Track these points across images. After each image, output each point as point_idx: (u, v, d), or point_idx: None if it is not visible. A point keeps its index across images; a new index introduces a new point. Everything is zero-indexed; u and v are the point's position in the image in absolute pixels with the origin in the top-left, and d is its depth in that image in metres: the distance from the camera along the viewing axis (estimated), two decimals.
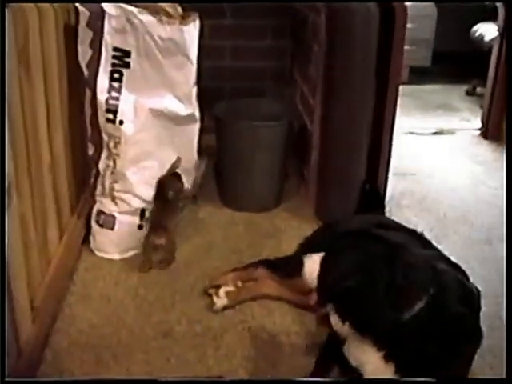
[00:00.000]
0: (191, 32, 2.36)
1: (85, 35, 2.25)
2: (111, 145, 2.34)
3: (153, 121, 2.36)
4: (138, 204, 2.40)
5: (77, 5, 2.22)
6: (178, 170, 2.45)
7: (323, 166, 2.67)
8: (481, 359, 1.87)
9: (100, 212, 2.43)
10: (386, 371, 1.67)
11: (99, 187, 2.41)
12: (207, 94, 2.64)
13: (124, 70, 2.30)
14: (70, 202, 2.33)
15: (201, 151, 2.58)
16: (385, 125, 2.56)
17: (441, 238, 2.62)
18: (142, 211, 2.42)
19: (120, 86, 2.30)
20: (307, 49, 2.95)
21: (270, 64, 3.39)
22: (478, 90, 4.68)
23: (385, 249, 1.65)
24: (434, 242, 2.00)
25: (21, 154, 1.76)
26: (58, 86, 2.13)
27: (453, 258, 1.95)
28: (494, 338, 2.03)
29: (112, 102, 2.29)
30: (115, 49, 2.27)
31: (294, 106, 3.18)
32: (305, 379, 1.80)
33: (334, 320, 1.70)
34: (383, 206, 2.61)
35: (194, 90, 2.43)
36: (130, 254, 2.44)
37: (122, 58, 2.29)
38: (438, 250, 1.95)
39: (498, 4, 3.98)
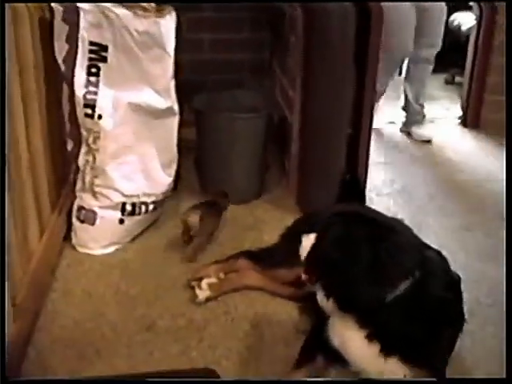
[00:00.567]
0: (168, 25, 2.36)
1: (61, 30, 2.23)
2: (90, 140, 2.33)
3: (131, 115, 2.35)
4: (118, 198, 2.40)
5: None
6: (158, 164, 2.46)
7: (303, 156, 2.68)
8: (460, 342, 1.89)
9: (81, 207, 2.42)
10: (370, 351, 1.70)
11: (79, 183, 2.40)
12: (187, 87, 2.64)
13: (101, 65, 2.28)
14: (50, 199, 2.32)
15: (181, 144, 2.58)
16: (364, 115, 2.57)
17: (421, 225, 2.64)
18: (123, 205, 2.42)
19: (97, 81, 2.29)
20: (286, 41, 2.95)
21: (249, 56, 3.38)
22: (457, 78, 4.71)
23: (374, 230, 1.67)
24: (414, 230, 2.01)
25: None
26: (34, 81, 2.11)
27: (434, 245, 1.97)
28: (472, 322, 2.05)
29: (90, 96, 2.28)
30: (92, 43, 2.26)
31: (274, 98, 3.18)
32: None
33: (320, 297, 1.72)
34: (363, 196, 2.62)
35: (172, 83, 2.43)
36: (112, 249, 2.44)
37: (98, 53, 2.27)
38: (418, 238, 1.97)
39: None
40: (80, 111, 2.28)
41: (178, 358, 1.91)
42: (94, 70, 2.28)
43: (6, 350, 1.66)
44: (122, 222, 2.43)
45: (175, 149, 2.55)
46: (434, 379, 1.73)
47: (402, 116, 3.94)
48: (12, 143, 1.89)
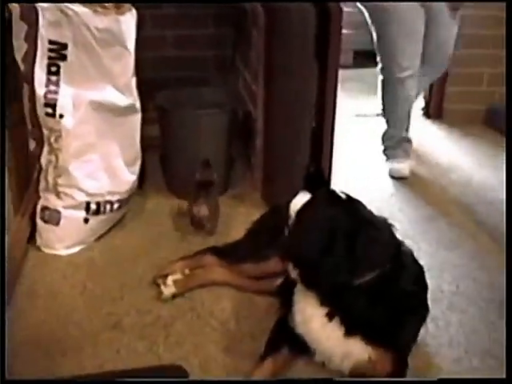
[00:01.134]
0: (128, 22, 2.35)
1: (19, 29, 2.21)
2: (52, 139, 2.31)
3: (93, 113, 2.33)
4: (82, 198, 2.38)
5: None
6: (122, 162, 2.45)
7: (268, 151, 2.69)
8: (424, 329, 1.93)
9: (45, 208, 2.40)
10: (332, 331, 1.72)
11: (43, 183, 2.38)
12: (150, 84, 2.63)
13: (61, 63, 2.26)
14: (12, 202, 2.29)
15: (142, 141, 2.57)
16: (327, 108, 2.59)
17: (387, 216, 2.67)
18: (88, 204, 2.40)
19: (58, 80, 2.27)
20: (248, 36, 2.96)
21: (213, 52, 3.38)
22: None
23: (358, 218, 1.70)
24: None
25: None
26: None
27: (400, 235, 2.00)
28: (435, 308, 2.11)
29: (50, 95, 2.26)
30: (51, 42, 2.24)
31: (238, 93, 3.18)
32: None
33: (290, 267, 1.75)
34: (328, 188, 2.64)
35: (134, 81, 2.42)
36: (77, 248, 2.42)
37: (58, 51, 2.25)
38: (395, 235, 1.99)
39: None
40: (41, 110, 2.26)
41: (144, 356, 1.91)
42: (54, 68, 2.26)
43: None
44: (86, 221, 2.42)
45: (139, 146, 2.54)
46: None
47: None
48: None
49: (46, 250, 2.41)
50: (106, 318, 2.05)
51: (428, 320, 1.95)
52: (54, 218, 2.39)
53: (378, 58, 3.20)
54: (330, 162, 2.64)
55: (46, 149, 2.33)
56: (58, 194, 2.36)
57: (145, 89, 2.51)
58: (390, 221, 1.81)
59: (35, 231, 2.43)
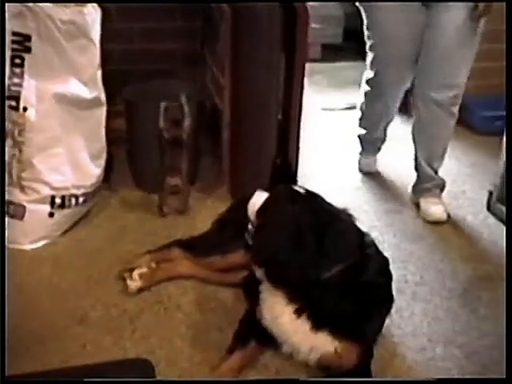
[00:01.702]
0: (92, 14, 2.33)
1: None
2: (16, 133, 2.28)
3: (57, 106, 2.31)
4: (47, 191, 2.36)
5: None
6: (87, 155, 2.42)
7: (235, 143, 2.69)
8: (389, 319, 1.96)
9: (9, 202, 2.36)
10: (300, 327, 1.74)
11: (7, 177, 2.34)
12: (118, 77, 2.61)
13: (25, 55, 2.24)
14: None
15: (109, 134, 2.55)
16: (293, 101, 2.60)
17: (354, 209, 2.69)
18: (52, 198, 2.38)
19: (22, 72, 2.24)
20: (215, 28, 2.94)
21: (180, 45, 3.35)
22: None
23: (321, 212, 1.73)
24: None
25: None
26: None
27: (366, 227, 2.02)
28: (400, 299, 2.14)
29: (14, 88, 2.23)
30: (14, 33, 2.21)
31: (205, 86, 3.17)
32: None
33: (256, 267, 1.78)
34: (295, 181, 2.65)
35: (99, 73, 2.40)
36: (42, 243, 2.40)
37: (21, 43, 2.23)
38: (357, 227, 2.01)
39: None
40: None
41: (110, 350, 1.91)
42: (17, 60, 2.23)
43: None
44: (51, 215, 2.40)
45: (104, 139, 2.53)
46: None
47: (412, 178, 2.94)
48: None
49: (11, 245, 2.37)
50: (72, 313, 2.04)
51: (393, 310, 1.98)
52: (18, 212, 2.36)
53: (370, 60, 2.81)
54: (296, 154, 2.66)
55: (9, 143, 2.30)
56: (22, 188, 2.34)
57: (112, 82, 2.49)
58: (351, 211, 1.83)
59: None
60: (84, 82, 2.35)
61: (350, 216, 1.84)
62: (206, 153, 3.04)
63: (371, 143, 3.14)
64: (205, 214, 2.57)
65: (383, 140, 3.15)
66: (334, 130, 3.71)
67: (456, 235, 2.65)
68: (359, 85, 3.06)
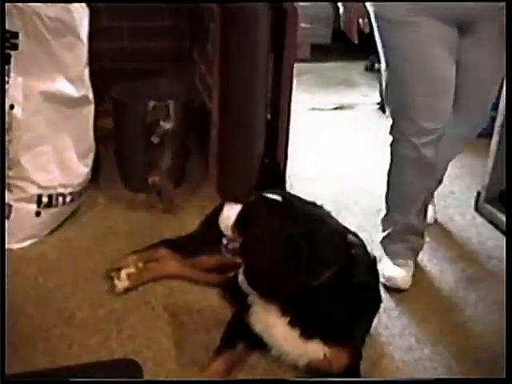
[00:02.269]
0: (80, 12, 2.31)
1: None
2: None
3: (45, 104, 2.29)
4: (34, 190, 2.34)
5: None
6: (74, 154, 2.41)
7: (223, 143, 2.69)
8: (377, 319, 1.97)
9: None
10: (292, 336, 1.73)
11: None
12: (106, 76, 2.59)
13: (12, 52, 2.21)
14: None
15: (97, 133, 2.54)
16: (282, 101, 2.60)
17: (342, 208, 2.71)
18: (39, 197, 2.36)
19: (9, 69, 2.22)
20: (205, 28, 2.94)
21: (169, 44, 3.34)
22: (377, 65, 4.80)
23: (299, 220, 1.70)
24: (335, 213, 2.04)
25: None
26: None
27: (354, 228, 2.02)
28: (387, 300, 2.14)
29: None
30: None
31: (194, 85, 3.16)
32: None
33: (241, 279, 1.74)
34: (283, 181, 2.65)
35: (86, 72, 2.38)
36: (28, 242, 2.38)
37: (9, 40, 2.20)
38: (339, 224, 2.01)
39: None
40: None
41: (97, 350, 1.89)
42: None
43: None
44: (38, 214, 2.38)
45: (92, 138, 2.51)
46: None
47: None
48: None
49: None
50: (58, 313, 2.03)
51: (381, 310, 1.98)
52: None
53: (388, 110, 2.34)
54: (285, 154, 2.65)
55: None
56: (8, 187, 2.31)
57: (100, 81, 2.48)
58: (326, 207, 1.84)
59: None
60: (71, 80, 2.33)
61: (329, 215, 1.83)
62: (194, 152, 3.03)
63: (399, 235, 2.38)
64: (192, 213, 2.56)
65: (418, 233, 2.40)
66: (323, 129, 3.71)
67: (444, 235, 2.65)
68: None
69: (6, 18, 2.16)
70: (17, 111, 2.23)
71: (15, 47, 2.21)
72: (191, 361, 1.87)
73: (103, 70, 2.51)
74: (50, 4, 2.20)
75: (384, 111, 4.00)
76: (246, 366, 1.88)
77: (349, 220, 2.41)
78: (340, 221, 1.94)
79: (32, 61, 2.24)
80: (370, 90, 4.33)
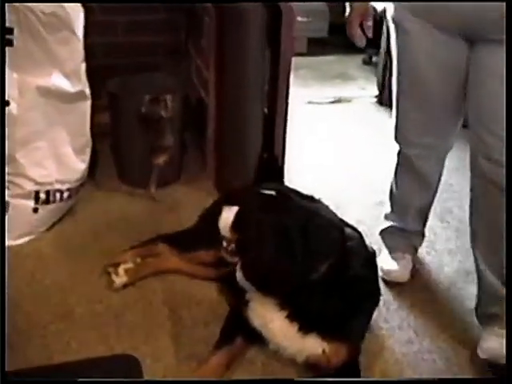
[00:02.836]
0: (75, 7, 2.29)
1: None
2: None
3: (40, 99, 2.27)
4: (31, 187, 2.32)
5: None
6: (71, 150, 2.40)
7: (220, 137, 2.68)
8: (377, 312, 1.96)
9: None
10: (290, 330, 1.73)
11: None
12: (102, 70, 2.57)
13: (7, 48, 2.19)
14: None
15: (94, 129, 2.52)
16: (279, 95, 2.59)
17: (340, 202, 2.69)
18: (36, 194, 2.34)
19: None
20: (200, 21, 2.92)
21: (165, 38, 3.32)
22: (374, 59, 4.79)
23: (296, 213, 1.69)
24: (333, 207, 2.03)
25: None
26: None
27: (352, 221, 2.02)
28: (386, 293, 2.14)
29: None
30: None
31: (190, 80, 3.15)
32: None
33: (240, 277, 1.73)
34: (282, 175, 2.65)
35: (83, 66, 2.37)
36: (26, 239, 2.37)
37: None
38: (336, 217, 2.00)
39: None
40: None
41: (95, 346, 1.89)
42: None
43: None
44: (35, 210, 2.36)
45: (88, 134, 2.49)
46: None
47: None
48: None
49: None
50: (56, 309, 2.02)
51: (380, 304, 1.98)
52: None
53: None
54: (283, 148, 2.65)
55: None
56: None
57: (96, 75, 2.46)
58: (324, 201, 1.85)
59: None
60: (67, 75, 2.31)
61: (326, 209, 1.83)
62: (192, 147, 3.02)
63: (399, 234, 2.37)
64: (190, 208, 2.54)
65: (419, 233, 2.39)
66: (321, 123, 3.70)
67: (442, 228, 2.65)
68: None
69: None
70: (12, 107, 2.21)
71: (10, 43, 2.19)
72: (190, 355, 1.86)
73: (98, 65, 2.49)
74: None
75: (381, 104, 4.01)
76: (244, 360, 1.87)
77: (348, 213, 2.41)
78: (339, 214, 1.95)
79: (27, 56, 2.22)
80: (367, 83, 4.32)
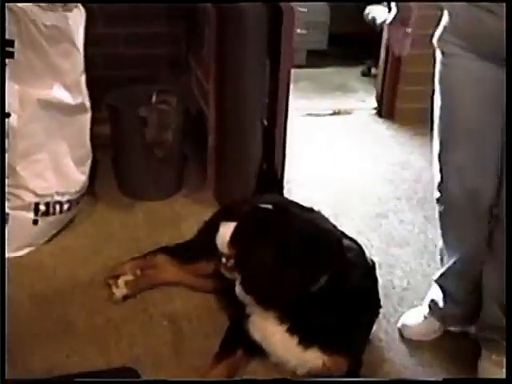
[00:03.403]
0: (76, 19, 2.30)
1: None
2: None
3: (41, 112, 2.28)
4: (31, 198, 2.33)
5: None
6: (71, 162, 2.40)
7: (220, 148, 2.68)
8: (377, 324, 1.95)
9: None
10: (291, 343, 1.73)
11: None
12: (102, 82, 2.58)
13: (8, 60, 2.20)
14: None
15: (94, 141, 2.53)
16: (279, 107, 2.59)
17: (340, 214, 2.70)
18: (36, 205, 2.34)
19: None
20: (200, 33, 2.93)
21: (165, 50, 3.34)
22: (373, 70, 4.81)
23: (295, 225, 1.70)
24: (333, 219, 2.03)
25: None
26: None
27: (351, 232, 2.02)
28: (387, 305, 2.13)
29: None
30: None
31: (190, 92, 3.16)
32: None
33: (239, 291, 1.74)
34: (281, 187, 2.65)
35: (83, 79, 2.38)
36: (26, 251, 2.37)
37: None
38: (336, 228, 2.00)
39: None
40: None
41: (96, 358, 1.88)
42: None
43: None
44: (35, 222, 2.36)
45: (89, 146, 2.50)
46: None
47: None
48: None
49: None
50: (56, 321, 2.02)
51: (380, 316, 1.98)
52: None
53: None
54: (282, 160, 2.65)
55: None
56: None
57: (96, 87, 2.47)
58: (324, 213, 1.85)
59: None
60: (68, 88, 2.32)
61: (326, 220, 1.83)
62: (192, 158, 3.02)
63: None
64: (190, 219, 2.55)
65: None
66: (320, 135, 3.71)
67: None
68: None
69: None
70: (12, 120, 2.22)
71: (11, 55, 2.20)
72: (190, 368, 1.86)
73: (99, 77, 2.50)
74: (46, 11, 2.19)
75: (381, 116, 4.01)
76: (245, 373, 1.87)
77: (347, 225, 2.42)
78: (338, 226, 1.95)
79: (28, 68, 2.23)
80: (366, 95, 4.33)
